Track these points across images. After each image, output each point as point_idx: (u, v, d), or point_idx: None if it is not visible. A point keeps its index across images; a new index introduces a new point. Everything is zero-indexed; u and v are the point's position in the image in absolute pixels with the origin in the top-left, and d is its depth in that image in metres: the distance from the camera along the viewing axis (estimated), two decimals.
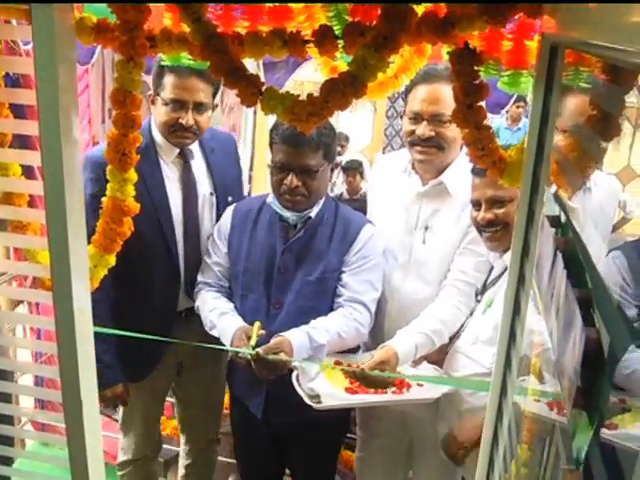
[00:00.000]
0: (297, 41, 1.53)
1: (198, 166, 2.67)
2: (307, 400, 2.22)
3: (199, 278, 2.63)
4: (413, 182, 2.53)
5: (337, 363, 2.41)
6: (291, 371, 2.32)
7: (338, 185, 6.72)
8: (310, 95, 1.51)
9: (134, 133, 1.62)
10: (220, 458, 3.34)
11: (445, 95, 2.27)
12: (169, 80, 2.38)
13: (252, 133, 6.09)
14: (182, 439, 3.17)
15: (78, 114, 1.44)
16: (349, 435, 3.17)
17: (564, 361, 0.79)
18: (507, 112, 7.32)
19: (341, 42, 1.51)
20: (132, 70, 1.56)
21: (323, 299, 2.44)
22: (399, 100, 6.79)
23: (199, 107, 2.44)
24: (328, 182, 2.52)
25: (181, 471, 3.19)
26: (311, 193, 2.41)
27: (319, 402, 2.21)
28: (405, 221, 2.52)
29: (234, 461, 3.09)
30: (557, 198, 1.17)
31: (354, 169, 6.48)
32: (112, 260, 1.75)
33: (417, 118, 2.39)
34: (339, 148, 7.87)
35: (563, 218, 1.01)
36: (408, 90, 2.46)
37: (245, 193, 3.29)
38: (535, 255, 1.23)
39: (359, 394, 2.27)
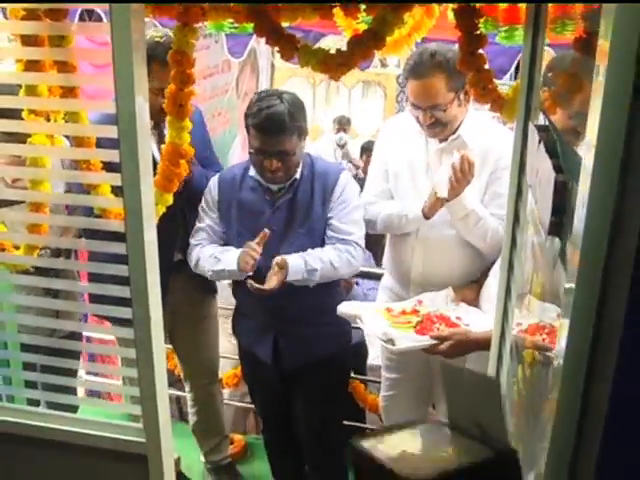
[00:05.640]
0: (325, 5, 1.82)
1: None
2: (383, 344, 2.37)
3: (192, 241, 2.76)
4: (432, 140, 2.72)
5: (388, 310, 2.57)
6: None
7: (344, 163, 7.00)
8: (339, 49, 1.80)
9: (189, 88, 1.91)
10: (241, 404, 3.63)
11: (435, 86, 2.50)
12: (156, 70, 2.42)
13: None
14: (187, 387, 3.39)
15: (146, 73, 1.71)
16: (372, 379, 3.45)
17: (542, 208, 1.08)
18: None
19: (362, 6, 1.80)
20: (187, 34, 1.86)
21: (313, 247, 2.63)
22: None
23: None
24: (303, 150, 2.67)
25: (192, 419, 3.41)
26: (290, 169, 2.57)
27: (393, 344, 2.30)
28: (429, 177, 2.69)
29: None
30: (543, 110, 1.46)
31: (371, 150, 6.80)
32: (170, 199, 2.04)
33: (416, 107, 2.62)
34: (341, 133, 8.22)
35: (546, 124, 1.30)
36: (405, 79, 2.69)
37: None
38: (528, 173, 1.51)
39: (426, 334, 2.38)
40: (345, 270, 2.66)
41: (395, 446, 1.29)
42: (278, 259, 2.51)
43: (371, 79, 8.41)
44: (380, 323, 2.43)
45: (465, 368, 1.82)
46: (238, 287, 2.77)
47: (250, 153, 2.58)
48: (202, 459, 3.50)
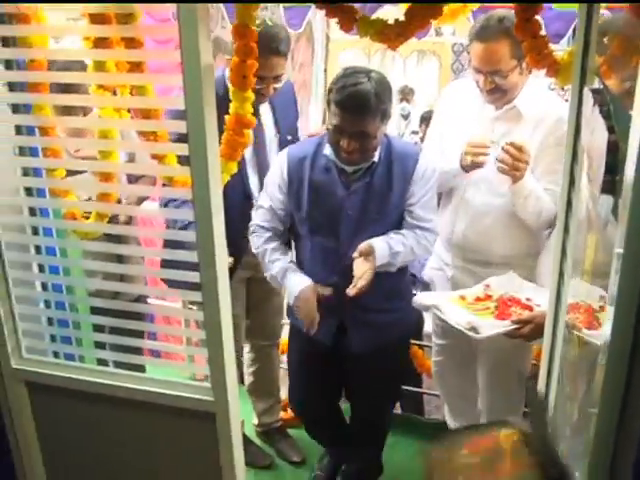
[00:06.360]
0: None
1: (265, 110, 2.98)
2: (466, 332, 2.37)
3: (255, 220, 2.72)
4: (487, 106, 2.75)
5: (462, 298, 2.58)
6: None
7: (406, 135, 7.04)
8: (397, 20, 1.85)
9: (251, 60, 1.99)
10: None
11: (499, 52, 2.51)
12: None
13: (323, 89, 6.41)
14: (246, 348, 3.51)
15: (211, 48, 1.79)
16: (427, 344, 3.52)
17: (596, 168, 1.13)
18: None
19: None
20: (250, 6, 1.92)
21: (388, 232, 2.56)
22: (464, 54, 7.04)
23: (278, 79, 2.78)
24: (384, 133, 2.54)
25: (248, 379, 3.55)
26: (368, 151, 2.46)
27: (477, 332, 2.33)
28: (479, 141, 2.69)
29: None
30: (598, 74, 1.50)
31: (430, 119, 6.80)
32: (234, 167, 2.13)
33: (478, 71, 2.63)
34: (404, 103, 8.21)
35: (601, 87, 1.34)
36: (470, 41, 2.66)
37: None
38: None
39: (506, 319, 2.42)
40: (420, 255, 2.66)
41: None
42: (363, 246, 2.43)
43: (426, 48, 8.36)
44: (460, 312, 2.46)
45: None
46: (310, 264, 2.69)
47: (327, 130, 2.48)
48: (254, 422, 3.66)
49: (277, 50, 2.65)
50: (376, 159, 2.52)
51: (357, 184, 2.53)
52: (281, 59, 2.73)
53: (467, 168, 2.68)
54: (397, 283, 2.70)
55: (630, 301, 0.92)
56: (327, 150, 2.54)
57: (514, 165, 2.47)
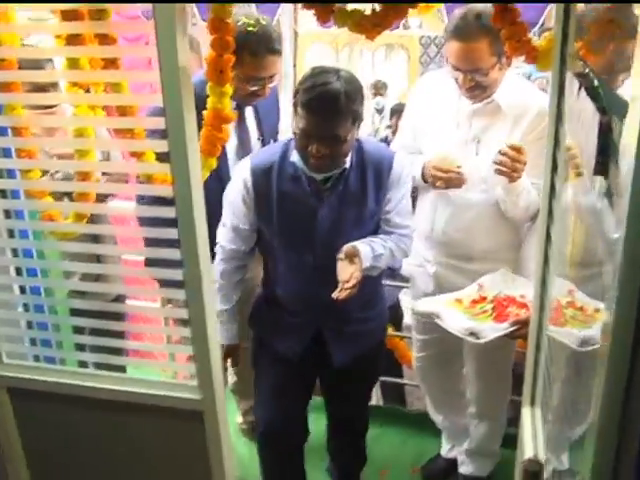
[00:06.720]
0: None
1: (249, 114, 2.94)
2: (467, 338, 2.36)
3: (218, 238, 2.54)
4: (463, 100, 2.66)
5: (459, 301, 2.54)
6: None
7: (381, 130, 7.06)
8: (374, 10, 1.84)
9: (228, 54, 1.97)
10: None
11: (478, 50, 2.43)
12: (247, 59, 2.55)
13: (293, 84, 6.36)
14: None
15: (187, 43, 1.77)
16: (408, 335, 3.52)
17: (585, 151, 1.13)
18: None
19: None
20: (225, 1, 1.91)
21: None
22: (432, 46, 7.09)
23: (272, 78, 2.73)
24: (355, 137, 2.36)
25: (231, 379, 3.49)
26: (338, 157, 2.30)
27: (478, 338, 2.31)
28: (457, 136, 2.68)
29: None
30: (581, 58, 1.50)
31: (401, 112, 6.79)
32: (213, 163, 2.11)
33: (456, 69, 2.54)
34: (378, 97, 8.23)
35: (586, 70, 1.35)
36: (446, 39, 2.56)
37: None
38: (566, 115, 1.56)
39: (504, 321, 2.39)
40: (399, 259, 2.56)
41: None
42: (347, 248, 2.29)
43: (394, 42, 8.34)
44: (459, 318, 2.43)
45: None
46: (284, 277, 2.54)
47: (294, 134, 2.29)
48: (239, 420, 3.62)
49: (273, 49, 2.61)
50: (348, 165, 2.37)
51: (330, 193, 2.38)
52: (276, 57, 2.68)
53: (430, 183, 2.67)
54: (375, 289, 2.62)
55: (631, 289, 0.92)
56: (294, 157, 2.36)
57: (513, 167, 2.44)
